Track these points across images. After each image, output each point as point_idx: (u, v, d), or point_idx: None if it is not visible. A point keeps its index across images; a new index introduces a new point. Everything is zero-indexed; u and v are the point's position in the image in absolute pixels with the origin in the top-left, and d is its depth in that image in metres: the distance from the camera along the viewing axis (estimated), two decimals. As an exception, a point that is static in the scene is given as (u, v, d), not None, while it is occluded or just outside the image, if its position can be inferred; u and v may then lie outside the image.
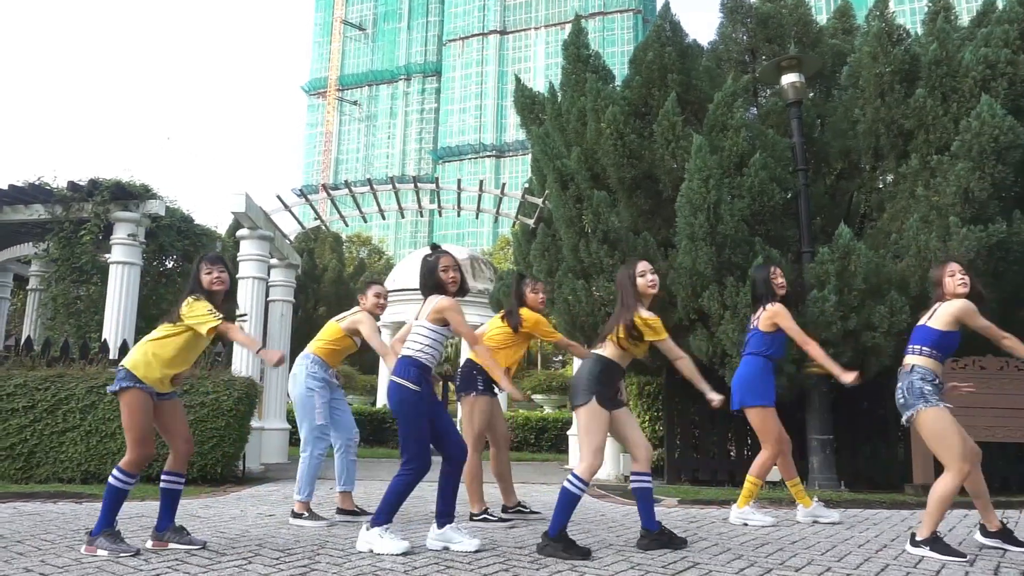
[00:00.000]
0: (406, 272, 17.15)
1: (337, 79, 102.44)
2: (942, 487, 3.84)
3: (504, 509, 5.15)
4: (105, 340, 8.22)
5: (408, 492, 3.80)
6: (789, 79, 7.49)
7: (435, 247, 4.21)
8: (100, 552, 3.65)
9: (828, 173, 8.39)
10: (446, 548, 3.84)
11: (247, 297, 9.20)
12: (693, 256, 7.06)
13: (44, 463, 6.95)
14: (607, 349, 4.06)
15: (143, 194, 9.34)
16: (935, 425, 3.85)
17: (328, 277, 24.37)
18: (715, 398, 4.10)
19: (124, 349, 7.55)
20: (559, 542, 3.74)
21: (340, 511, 5.10)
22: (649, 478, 3.99)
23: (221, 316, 3.80)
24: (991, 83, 6.93)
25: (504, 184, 11.81)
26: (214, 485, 6.92)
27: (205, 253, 4.18)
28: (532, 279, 5.20)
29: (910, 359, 4.05)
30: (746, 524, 4.96)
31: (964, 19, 8.92)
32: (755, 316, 5.18)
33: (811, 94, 8.55)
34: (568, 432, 10.93)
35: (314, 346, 5.15)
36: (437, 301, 3.92)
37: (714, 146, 7.34)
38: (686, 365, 4.12)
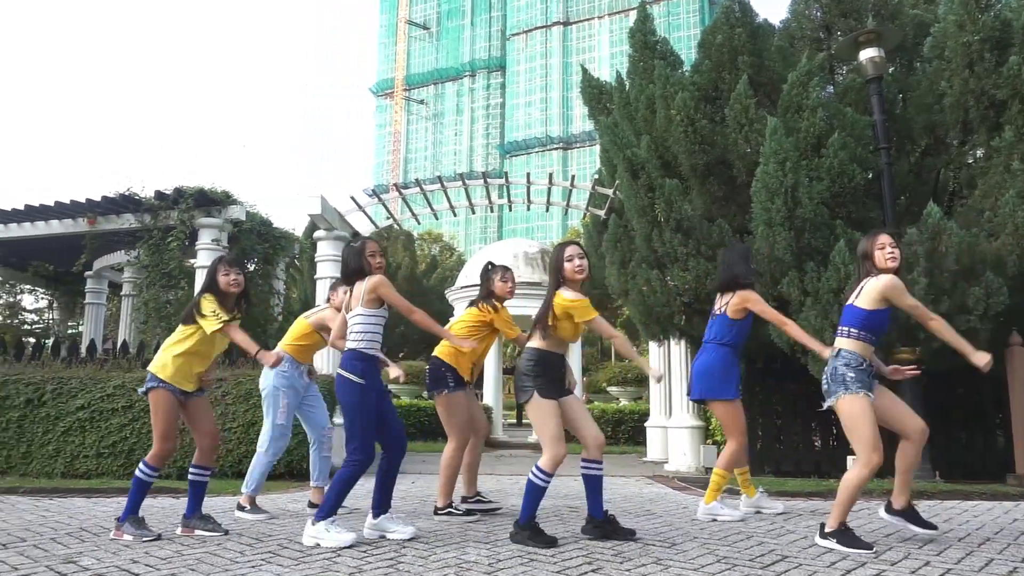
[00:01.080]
0: (477, 268, 17.29)
1: (403, 79, 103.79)
2: (851, 477, 3.78)
3: (463, 499, 5.06)
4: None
5: (351, 484, 3.92)
6: (868, 54, 7.18)
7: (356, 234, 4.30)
8: (126, 536, 4.02)
9: (912, 150, 8.02)
10: (383, 537, 3.99)
11: (325, 297, 9.42)
12: (771, 242, 6.87)
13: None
14: (535, 340, 4.10)
15: (225, 200, 9.69)
16: (850, 413, 3.78)
17: (401, 275, 24.81)
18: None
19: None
20: (527, 530, 3.87)
21: (311, 505, 5.23)
22: (600, 466, 4.05)
23: (225, 319, 4.08)
24: (1092, 46, 6.50)
25: (573, 176, 11.75)
26: (300, 480, 7.14)
27: (224, 255, 4.43)
28: (501, 268, 5.03)
29: (838, 342, 3.95)
30: (714, 520, 4.75)
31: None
32: (723, 301, 4.94)
33: (891, 68, 8.19)
34: (646, 424, 10.82)
35: (283, 344, 5.15)
36: (368, 282, 4.00)
37: (789, 128, 7.11)
38: (621, 343, 4.35)
